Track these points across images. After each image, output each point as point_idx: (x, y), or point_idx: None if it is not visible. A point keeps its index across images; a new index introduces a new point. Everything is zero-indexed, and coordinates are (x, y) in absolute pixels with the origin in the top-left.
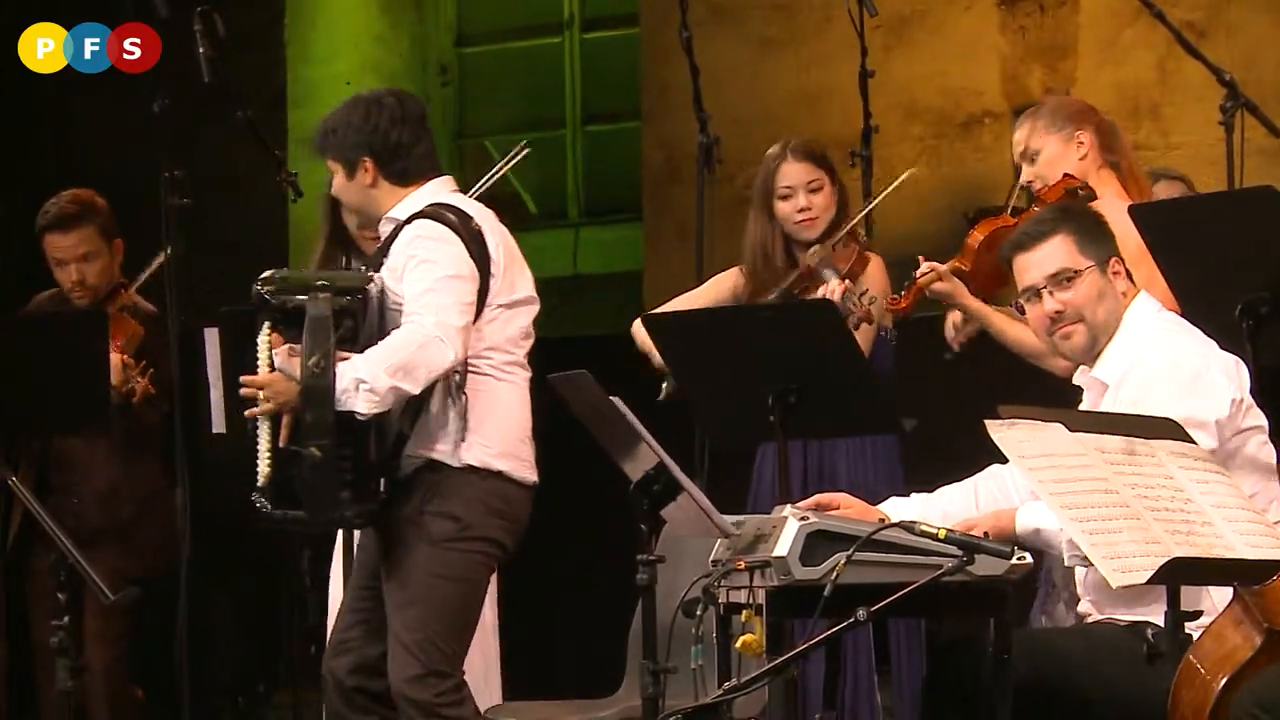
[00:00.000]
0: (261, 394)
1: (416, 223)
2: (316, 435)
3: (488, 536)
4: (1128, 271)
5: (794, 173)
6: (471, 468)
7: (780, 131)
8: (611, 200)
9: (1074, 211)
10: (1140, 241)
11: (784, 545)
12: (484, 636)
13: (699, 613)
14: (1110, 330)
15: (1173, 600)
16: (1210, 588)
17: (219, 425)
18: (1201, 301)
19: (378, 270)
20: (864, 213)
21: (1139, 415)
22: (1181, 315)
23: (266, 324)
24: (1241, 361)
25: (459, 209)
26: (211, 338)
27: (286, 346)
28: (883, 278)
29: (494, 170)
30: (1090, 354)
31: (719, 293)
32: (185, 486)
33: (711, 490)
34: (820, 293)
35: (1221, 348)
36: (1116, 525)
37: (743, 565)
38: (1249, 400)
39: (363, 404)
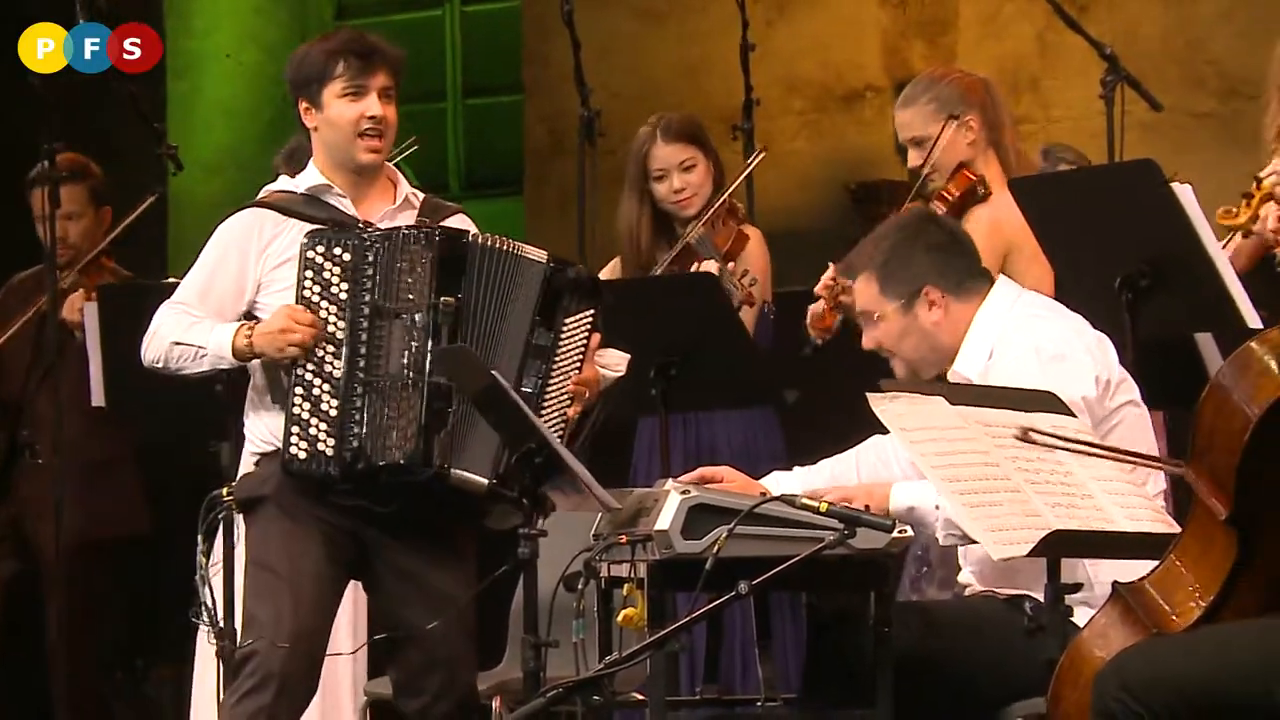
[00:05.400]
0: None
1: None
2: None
3: None
4: (961, 288)
5: (665, 155)
6: None
7: (662, 105)
8: (492, 173)
9: (883, 247)
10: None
11: (665, 519)
12: (355, 608)
13: (580, 587)
14: (934, 351)
15: (1053, 573)
16: (1087, 560)
17: (98, 398)
18: (1082, 275)
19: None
20: (731, 188)
21: (1018, 389)
22: (1059, 289)
23: (590, 312)
24: (1106, 339)
25: None
26: (90, 311)
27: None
28: (762, 254)
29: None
30: (915, 377)
31: None
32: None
33: (593, 464)
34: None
35: (1100, 321)
36: (997, 498)
37: (624, 539)
38: (1118, 375)
39: None
